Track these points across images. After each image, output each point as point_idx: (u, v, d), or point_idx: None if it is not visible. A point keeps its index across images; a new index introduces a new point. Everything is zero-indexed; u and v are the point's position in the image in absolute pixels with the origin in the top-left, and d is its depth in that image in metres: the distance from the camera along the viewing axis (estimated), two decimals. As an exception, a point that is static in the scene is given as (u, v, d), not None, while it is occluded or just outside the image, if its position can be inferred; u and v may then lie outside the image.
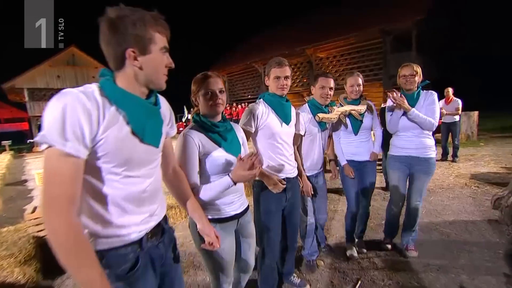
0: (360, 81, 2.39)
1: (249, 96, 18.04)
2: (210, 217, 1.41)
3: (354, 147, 2.47)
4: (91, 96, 0.81)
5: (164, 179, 1.24)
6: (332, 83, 2.16)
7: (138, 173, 0.95)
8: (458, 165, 5.76)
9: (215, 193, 1.35)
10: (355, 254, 2.53)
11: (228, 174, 1.33)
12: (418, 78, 2.30)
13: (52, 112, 0.74)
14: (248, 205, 1.60)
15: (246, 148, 1.59)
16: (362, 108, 2.39)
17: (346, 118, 2.40)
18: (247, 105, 15.45)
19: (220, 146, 1.38)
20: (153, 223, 1.05)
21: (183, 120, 16.98)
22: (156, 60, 0.90)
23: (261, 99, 1.88)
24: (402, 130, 2.38)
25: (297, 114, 2.09)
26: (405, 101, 2.25)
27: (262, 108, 1.80)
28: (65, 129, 0.74)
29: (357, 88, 2.38)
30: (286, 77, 1.79)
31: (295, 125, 2.01)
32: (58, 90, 0.81)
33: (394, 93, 2.28)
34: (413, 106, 2.28)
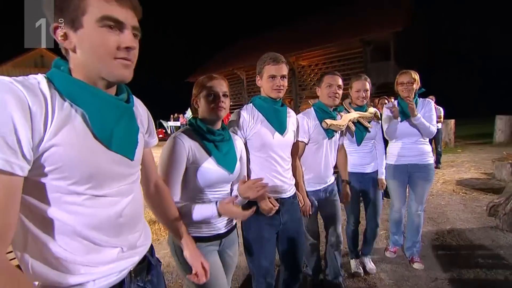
0: (368, 86, 2.15)
1: (231, 103, 17.83)
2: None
3: (358, 157, 2.25)
4: (34, 88, 0.58)
5: (144, 197, 1.01)
6: (340, 81, 1.85)
7: (108, 192, 0.71)
8: (442, 172, 5.86)
9: (193, 218, 1.16)
10: (361, 270, 2.35)
11: (216, 203, 1.16)
12: (416, 86, 2.27)
13: None
14: (235, 224, 1.39)
15: (243, 164, 1.40)
16: (370, 115, 2.20)
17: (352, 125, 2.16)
18: (228, 112, 15.50)
19: (212, 157, 1.21)
20: (136, 258, 0.80)
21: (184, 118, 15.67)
22: (91, 36, 0.62)
23: (251, 104, 1.57)
24: (400, 137, 2.36)
25: (300, 119, 1.82)
26: (415, 106, 2.22)
27: (250, 115, 1.51)
28: None
29: (364, 94, 2.14)
30: (282, 77, 1.49)
31: (295, 131, 1.70)
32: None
33: (390, 101, 2.28)
34: (409, 114, 2.26)
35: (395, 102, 2.41)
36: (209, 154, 1.21)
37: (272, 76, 1.48)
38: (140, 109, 0.88)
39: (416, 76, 2.27)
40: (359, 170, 2.26)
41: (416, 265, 2.36)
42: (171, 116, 18.06)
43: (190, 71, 21.56)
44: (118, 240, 0.75)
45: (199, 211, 1.16)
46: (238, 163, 1.31)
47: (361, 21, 12.38)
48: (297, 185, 1.74)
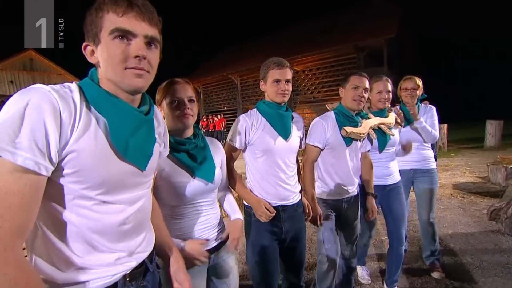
0: (390, 87, 1.94)
1: (225, 108, 17.82)
2: None
3: (381, 168, 2.01)
4: (67, 97, 0.64)
5: None
6: (367, 83, 1.69)
7: (117, 199, 0.75)
8: (438, 176, 5.90)
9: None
10: (368, 278, 2.32)
11: (182, 244, 1.10)
12: (419, 92, 2.27)
13: (7, 111, 0.57)
14: (227, 238, 1.30)
15: (223, 171, 1.32)
16: (391, 121, 2.00)
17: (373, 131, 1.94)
18: (222, 117, 15.56)
19: (187, 169, 1.12)
20: (133, 263, 0.81)
21: None
22: (105, 49, 0.67)
23: (255, 109, 1.56)
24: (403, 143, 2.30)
25: (317, 123, 1.72)
26: (416, 110, 2.21)
27: (253, 120, 1.49)
28: (20, 133, 0.56)
29: (386, 95, 1.92)
30: (287, 81, 1.48)
31: (301, 137, 1.64)
32: (10, 97, 0.59)
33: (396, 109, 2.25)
34: (412, 120, 2.24)
35: (397, 107, 2.38)
36: (183, 166, 1.11)
37: (277, 81, 1.46)
38: (161, 122, 0.92)
39: (419, 82, 2.27)
40: (381, 182, 2.03)
41: (435, 274, 2.28)
42: None
43: (183, 76, 21.48)
44: (119, 246, 0.77)
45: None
46: (217, 170, 1.22)
47: (355, 27, 12.62)
48: (304, 192, 1.66)
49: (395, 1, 13.53)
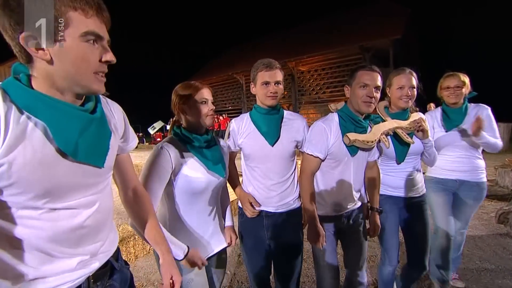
0: (415, 81, 1.61)
1: (230, 108, 17.84)
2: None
3: (398, 178, 1.71)
4: None
5: (123, 203, 1.00)
6: (379, 80, 1.38)
7: (69, 204, 0.70)
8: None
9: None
10: None
11: (188, 248, 1.12)
12: (465, 90, 1.89)
13: None
14: (226, 245, 1.40)
15: (228, 167, 1.40)
16: (412, 125, 1.60)
17: (388, 138, 1.61)
18: (227, 116, 15.58)
19: (201, 164, 1.19)
20: (96, 264, 0.78)
21: (151, 131, 16.00)
22: (74, 50, 0.62)
23: (248, 113, 1.54)
24: (448, 149, 1.96)
25: (319, 128, 1.44)
26: (482, 125, 1.73)
27: (240, 125, 1.49)
28: None
29: (410, 92, 1.59)
30: (277, 83, 1.40)
31: (298, 141, 1.50)
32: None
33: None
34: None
35: (434, 109, 2.07)
36: (198, 161, 1.19)
37: (266, 83, 1.40)
38: (116, 114, 0.86)
39: (465, 78, 1.88)
40: (400, 193, 1.71)
41: (455, 283, 2.15)
42: (171, 119, 17.96)
43: (189, 74, 21.56)
44: (77, 251, 0.74)
45: (170, 241, 1.10)
46: (227, 167, 1.32)
47: (360, 28, 12.53)
48: (303, 209, 1.47)
49: (401, 2, 13.43)
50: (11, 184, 0.60)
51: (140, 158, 7.62)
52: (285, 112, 1.54)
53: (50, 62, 0.62)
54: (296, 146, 1.52)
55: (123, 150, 0.94)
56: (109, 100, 0.87)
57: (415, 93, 1.62)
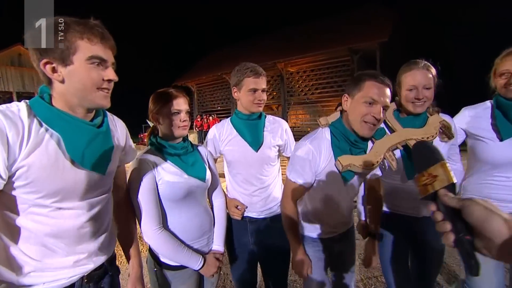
0: (431, 78, 1.25)
1: (219, 108, 17.75)
2: (162, 260, 1.21)
3: (411, 200, 1.35)
4: (14, 116, 0.71)
5: None
6: (389, 98, 1.11)
7: (73, 205, 0.82)
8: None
9: (173, 258, 1.16)
10: None
11: (204, 260, 1.20)
12: None
13: None
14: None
15: (214, 172, 1.38)
16: (429, 133, 1.26)
17: (397, 152, 1.31)
18: (215, 117, 15.51)
19: (181, 170, 1.21)
20: (91, 266, 0.87)
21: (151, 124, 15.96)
22: (80, 72, 0.77)
23: (229, 118, 1.53)
24: (503, 168, 1.31)
25: (305, 151, 1.18)
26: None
27: (221, 132, 1.48)
28: None
29: (427, 94, 1.24)
30: (263, 90, 1.42)
31: (280, 145, 1.49)
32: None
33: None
34: None
35: (483, 105, 1.41)
36: (177, 168, 1.21)
37: (254, 90, 1.39)
38: (119, 129, 1.00)
39: None
40: (409, 212, 1.38)
41: None
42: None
43: (177, 75, 21.31)
44: (78, 249, 0.83)
45: (182, 256, 1.15)
46: (208, 171, 1.31)
47: (348, 30, 12.76)
48: (286, 233, 1.31)
49: (388, 6, 13.76)
50: (28, 184, 0.72)
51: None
52: (268, 117, 1.53)
53: (62, 81, 0.77)
54: (279, 150, 1.52)
55: (122, 161, 1.06)
56: (115, 117, 1.01)
57: (432, 94, 1.26)
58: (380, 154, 1.18)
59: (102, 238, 0.91)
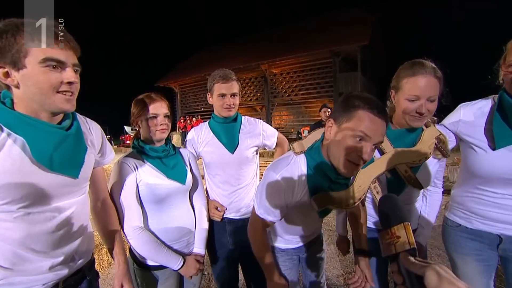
0: (438, 87, 1.01)
1: (202, 109, 17.63)
2: (140, 260, 1.23)
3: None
4: None
5: (91, 212, 1.08)
6: (384, 131, 0.86)
7: (44, 209, 0.78)
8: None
9: (153, 258, 1.19)
10: None
11: (184, 260, 1.21)
12: None
13: None
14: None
15: (195, 174, 1.40)
16: (422, 155, 1.06)
17: (382, 178, 1.15)
18: (199, 118, 15.27)
19: (161, 173, 1.22)
20: (66, 271, 0.84)
21: (130, 132, 15.72)
22: (34, 75, 0.72)
23: (207, 122, 1.55)
24: (495, 183, 1.06)
25: (272, 188, 0.99)
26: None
27: (199, 135, 1.52)
28: None
29: (429, 106, 1.02)
30: (233, 95, 1.43)
31: (259, 145, 1.53)
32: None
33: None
34: None
35: (483, 102, 1.11)
36: (158, 170, 1.22)
37: (222, 95, 1.42)
38: (94, 132, 0.97)
39: None
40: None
41: None
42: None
43: (159, 76, 20.98)
44: (50, 254, 0.80)
45: (161, 256, 1.18)
46: (189, 174, 1.32)
47: (330, 33, 13.06)
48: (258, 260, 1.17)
49: (368, 11, 14.23)
50: None
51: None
52: (243, 118, 1.57)
53: (18, 86, 0.73)
54: (256, 151, 1.56)
55: (99, 163, 1.04)
56: (88, 120, 0.98)
57: (435, 106, 1.03)
58: (364, 189, 0.98)
59: (78, 241, 0.88)
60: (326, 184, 0.96)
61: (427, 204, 1.26)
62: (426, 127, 1.12)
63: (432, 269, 0.49)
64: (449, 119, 1.18)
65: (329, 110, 4.42)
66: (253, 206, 1.10)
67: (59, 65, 0.74)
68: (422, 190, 1.21)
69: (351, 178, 1.01)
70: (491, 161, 1.04)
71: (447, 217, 1.25)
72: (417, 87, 1.00)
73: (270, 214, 1.03)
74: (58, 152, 0.78)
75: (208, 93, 1.51)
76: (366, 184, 1.00)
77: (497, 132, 1.02)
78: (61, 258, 0.82)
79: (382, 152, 1.11)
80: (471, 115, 1.11)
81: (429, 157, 1.08)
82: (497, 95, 1.06)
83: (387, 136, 1.11)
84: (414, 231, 1.22)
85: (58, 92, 0.75)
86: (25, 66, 0.71)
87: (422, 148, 1.06)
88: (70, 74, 0.76)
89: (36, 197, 0.76)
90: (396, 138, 1.11)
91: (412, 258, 0.55)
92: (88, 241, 0.95)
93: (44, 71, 0.72)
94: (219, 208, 1.50)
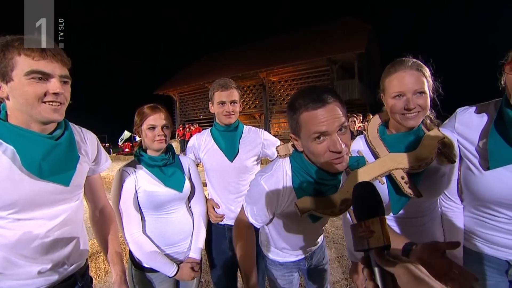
0: (424, 80, 0.95)
1: (201, 117, 17.69)
2: (138, 261, 1.26)
3: (397, 229, 1.09)
4: None
5: (90, 220, 1.12)
6: (339, 114, 0.83)
7: (34, 215, 0.81)
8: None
9: (148, 263, 1.23)
10: None
11: (178, 268, 1.24)
12: None
13: None
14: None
15: (194, 181, 1.44)
16: (423, 159, 0.95)
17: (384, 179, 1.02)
18: (198, 126, 15.34)
19: (159, 181, 1.28)
20: (55, 277, 0.86)
21: (120, 143, 15.74)
22: (20, 87, 0.76)
23: (209, 130, 1.59)
24: (494, 204, 0.93)
25: (257, 193, 0.97)
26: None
27: (201, 141, 1.56)
28: None
29: (417, 100, 0.94)
30: (233, 102, 1.46)
31: (258, 154, 1.54)
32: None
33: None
34: None
35: (482, 109, 0.98)
36: (156, 178, 1.27)
37: (222, 102, 1.46)
38: (88, 141, 1.01)
39: None
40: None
41: None
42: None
43: (159, 84, 21.11)
44: (40, 259, 0.82)
45: (157, 262, 1.21)
46: (187, 182, 1.35)
47: (327, 41, 13.25)
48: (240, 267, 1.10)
49: (364, 19, 14.49)
50: None
51: (107, 170, 7.27)
52: (244, 127, 1.59)
53: (8, 98, 0.78)
54: (257, 160, 1.57)
55: (94, 171, 1.07)
56: (83, 129, 1.02)
57: (427, 101, 0.95)
58: (346, 196, 0.89)
59: (69, 248, 0.90)
60: (311, 186, 0.90)
61: (444, 225, 1.08)
62: (428, 130, 1.01)
63: (406, 267, 0.46)
64: (445, 127, 1.05)
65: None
66: (242, 206, 1.08)
67: (45, 76, 0.77)
68: (439, 204, 1.09)
69: (341, 182, 0.95)
70: (485, 182, 0.91)
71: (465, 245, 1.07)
72: (399, 82, 0.95)
73: (252, 216, 1.02)
74: (47, 160, 0.81)
75: (210, 102, 1.54)
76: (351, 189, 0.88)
77: (493, 150, 0.88)
78: (50, 264, 0.83)
79: (376, 157, 1.03)
80: (467, 124, 0.99)
81: (430, 163, 0.95)
82: (499, 101, 0.92)
83: (384, 142, 1.03)
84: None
85: (44, 102, 0.78)
86: (12, 79, 0.75)
87: (422, 153, 0.95)
88: (55, 85, 0.78)
89: (26, 204, 0.78)
90: (393, 144, 1.02)
91: (385, 255, 0.51)
92: (81, 247, 0.96)
93: (30, 83, 0.75)
94: (216, 209, 1.52)
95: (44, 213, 0.83)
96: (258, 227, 1.05)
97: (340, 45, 12.24)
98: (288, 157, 0.99)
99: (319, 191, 0.91)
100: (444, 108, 1.05)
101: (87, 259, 1.03)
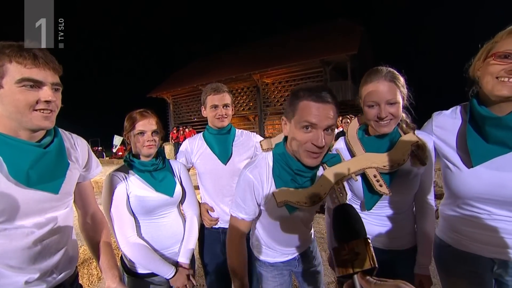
0: (396, 91, 1.00)
1: (195, 119, 17.63)
2: (129, 267, 1.27)
3: (374, 225, 1.16)
4: None
5: (80, 227, 1.10)
6: (331, 115, 0.88)
7: (21, 224, 0.79)
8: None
9: (146, 265, 1.23)
10: None
11: (177, 268, 1.25)
12: None
13: None
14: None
15: (185, 185, 1.44)
16: (395, 160, 1.01)
17: (358, 178, 1.08)
18: (191, 129, 15.27)
19: (149, 186, 1.28)
20: (43, 286, 0.84)
21: (114, 150, 15.65)
22: (10, 95, 0.75)
23: (201, 134, 1.61)
24: (470, 200, 0.97)
25: (243, 183, 1.04)
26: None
27: (193, 145, 1.56)
28: None
29: (389, 109, 0.99)
30: (225, 105, 1.48)
31: (251, 156, 1.56)
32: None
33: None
34: None
35: (453, 112, 1.06)
36: (146, 183, 1.27)
37: (215, 106, 1.48)
38: (79, 148, 0.99)
39: None
40: (376, 244, 1.16)
41: None
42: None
43: (152, 86, 20.96)
44: (27, 269, 0.80)
45: (154, 265, 1.22)
46: (178, 186, 1.36)
47: (321, 43, 13.35)
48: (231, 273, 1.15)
49: (356, 21, 14.66)
50: None
51: (100, 174, 7.19)
52: (237, 131, 1.62)
53: None
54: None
55: (85, 178, 1.05)
56: (73, 135, 1.00)
57: (399, 109, 1.01)
58: (326, 188, 0.96)
59: (58, 256, 0.88)
60: (289, 176, 0.98)
61: (417, 227, 1.15)
62: (404, 134, 1.07)
63: (398, 287, 0.44)
64: (423, 131, 1.11)
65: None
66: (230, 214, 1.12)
67: (36, 84, 0.76)
68: (413, 204, 1.16)
69: (317, 176, 1.03)
70: (467, 180, 0.95)
71: (437, 235, 1.13)
72: (372, 92, 1.02)
73: (242, 211, 1.05)
74: (35, 169, 0.80)
75: (202, 106, 1.56)
76: (327, 184, 0.98)
77: (473, 148, 0.92)
78: (37, 273, 0.82)
79: (353, 156, 1.11)
80: (443, 127, 1.05)
81: (403, 164, 1.01)
82: (467, 104, 0.98)
83: (362, 143, 1.12)
84: (408, 250, 1.15)
85: (35, 110, 0.77)
86: (2, 86, 0.74)
87: (395, 155, 1.02)
88: (47, 93, 0.78)
89: (13, 213, 0.77)
90: (370, 145, 1.10)
91: (371, 278, 0.49)
92: (70, 255, 0.95)
93: (21, 91, 0.74)
94: (210, 213, 1.53)
95: (32, 221, 0.81)
96: (249, 220, 1.08)
97: (333, 47, 12.34)
98: (271, 151, 1.08)
99: (296, 182, 0.99)
100: (449, 105, 1.09)
101: (76, 266, 1.01)
